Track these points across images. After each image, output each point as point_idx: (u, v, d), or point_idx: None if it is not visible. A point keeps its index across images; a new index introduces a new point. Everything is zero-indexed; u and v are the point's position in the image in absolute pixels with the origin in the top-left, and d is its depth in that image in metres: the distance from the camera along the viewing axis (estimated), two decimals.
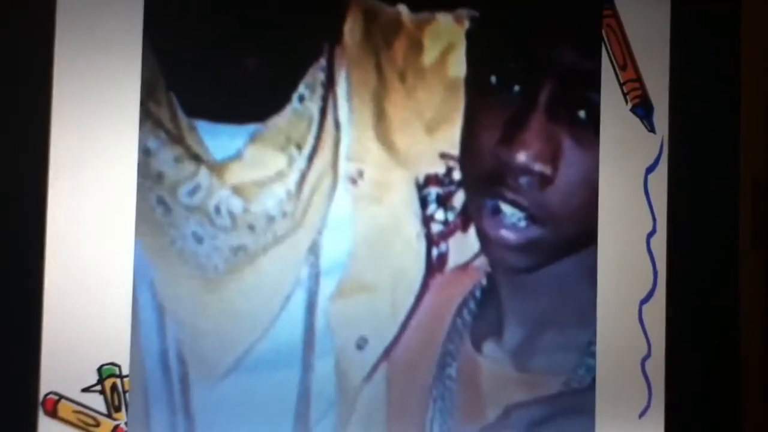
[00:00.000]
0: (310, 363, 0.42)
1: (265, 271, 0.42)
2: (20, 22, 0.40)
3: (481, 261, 0.44)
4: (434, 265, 0.43)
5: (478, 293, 0.44)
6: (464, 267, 0.44)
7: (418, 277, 0.43)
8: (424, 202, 0.43)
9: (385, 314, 0.43)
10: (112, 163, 0.41)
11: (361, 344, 0.43)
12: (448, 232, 0.43)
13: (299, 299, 0.42)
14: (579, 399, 0.45)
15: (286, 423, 0.42)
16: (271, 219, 0.42)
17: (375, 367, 0.43)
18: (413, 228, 0.43)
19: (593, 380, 0.45)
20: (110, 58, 0.41)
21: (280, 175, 0.42)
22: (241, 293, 0.41)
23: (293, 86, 0.42)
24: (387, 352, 0.43)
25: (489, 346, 0.44)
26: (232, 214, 0.41)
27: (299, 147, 0.42)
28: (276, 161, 0.42)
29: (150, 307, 0.41)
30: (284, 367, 0.42)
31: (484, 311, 0.44)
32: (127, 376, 0.41)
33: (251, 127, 0.42)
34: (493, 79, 0.44)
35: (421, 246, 0.43)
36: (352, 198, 0.43)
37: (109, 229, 0.41)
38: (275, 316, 0.42)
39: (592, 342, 0.45)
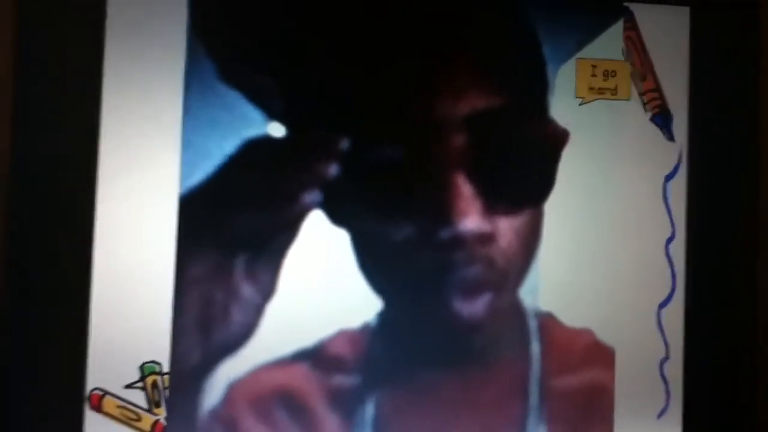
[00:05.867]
0: None
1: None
2: (71, 38, 0.42)
3: None
4: None
5: None
6: None
7: None
8: None
9: None
10: (157, 170, 0.43)
11: None
12: None
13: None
14: None
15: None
16: None
17: None
18: None
19: None
20: (156, 73, 0.43)
21: None
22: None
23: None
24: None
25: None
26: None
27: None
28: None
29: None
30: None
31: None
32: (167, 373, 0.42)
33: None
34: None
35: None
36: None
37: (153, 232, 0.43)
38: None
39: None
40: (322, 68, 0.44)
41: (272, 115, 0.43)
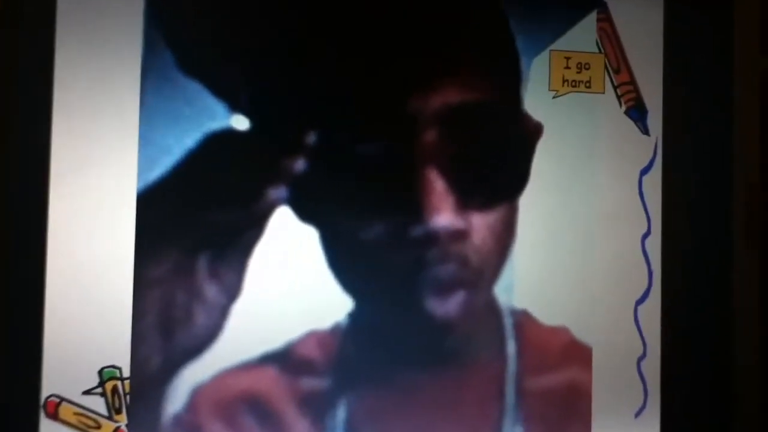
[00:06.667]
0: None
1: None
2: (21, 28, 0.41)
3: None
4: None
5: None
6: None
7: None
8: None
9: None
10: (113, 167, 0.42)
11: None
12: None
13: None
14: None
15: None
16: None
17: None
18: None
19: None
20: (111, 64, 0.42)
21: None
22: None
23: None
24: None
25: None
26: None
27: None
28: None
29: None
30: None
31: None
32: (127, 378, 0.41)
33: None
34: None
35: None
36: None
37: (110, 233, 0.41)
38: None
39: None
40: (288, 58, 0.43)
41: (235, 107, 0.42)
